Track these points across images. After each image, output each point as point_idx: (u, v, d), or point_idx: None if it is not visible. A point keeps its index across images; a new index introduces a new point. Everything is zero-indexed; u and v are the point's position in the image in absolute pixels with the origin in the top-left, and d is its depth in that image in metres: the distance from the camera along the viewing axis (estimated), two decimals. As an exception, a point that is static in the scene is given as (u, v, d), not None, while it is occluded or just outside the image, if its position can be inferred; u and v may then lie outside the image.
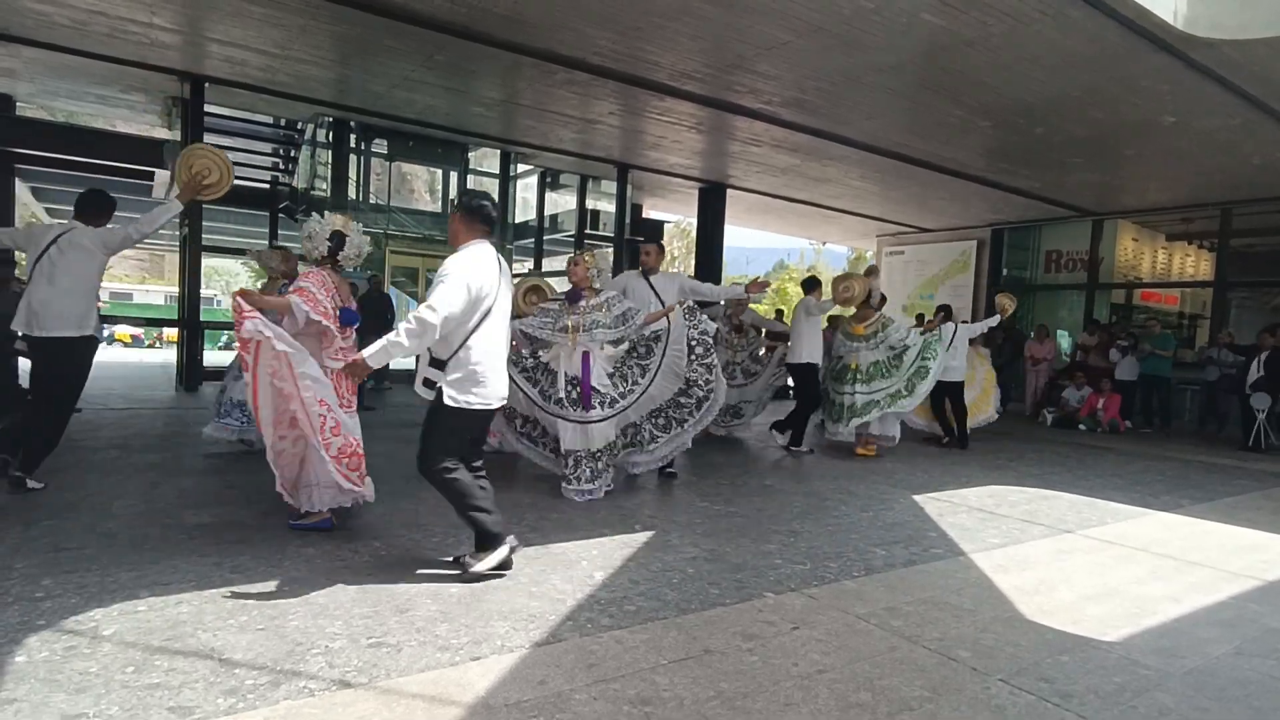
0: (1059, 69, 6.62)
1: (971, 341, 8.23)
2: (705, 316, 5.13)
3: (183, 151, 4.64)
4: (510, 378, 4.05)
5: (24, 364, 8.56)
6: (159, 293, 32.48)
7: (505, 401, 3.42)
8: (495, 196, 11.52)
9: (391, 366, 5.55)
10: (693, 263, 14.21)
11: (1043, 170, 10.14)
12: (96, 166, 11.31)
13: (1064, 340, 13.48)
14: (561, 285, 5.77)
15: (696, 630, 2.77)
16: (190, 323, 9.58)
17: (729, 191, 12.49)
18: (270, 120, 10.99)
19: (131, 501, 4.17)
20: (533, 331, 4.92)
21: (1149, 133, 8.22)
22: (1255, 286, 12.58)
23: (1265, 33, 5.73)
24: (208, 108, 8.63)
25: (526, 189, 12.97)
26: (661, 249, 5.74)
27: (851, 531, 4.33)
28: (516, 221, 12.98)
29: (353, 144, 10.60)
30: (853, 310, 7.33)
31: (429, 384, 3.19)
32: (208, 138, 9.03)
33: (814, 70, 7.04)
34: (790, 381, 7.88)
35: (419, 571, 3.27)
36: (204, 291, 12.71)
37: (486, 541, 3.21)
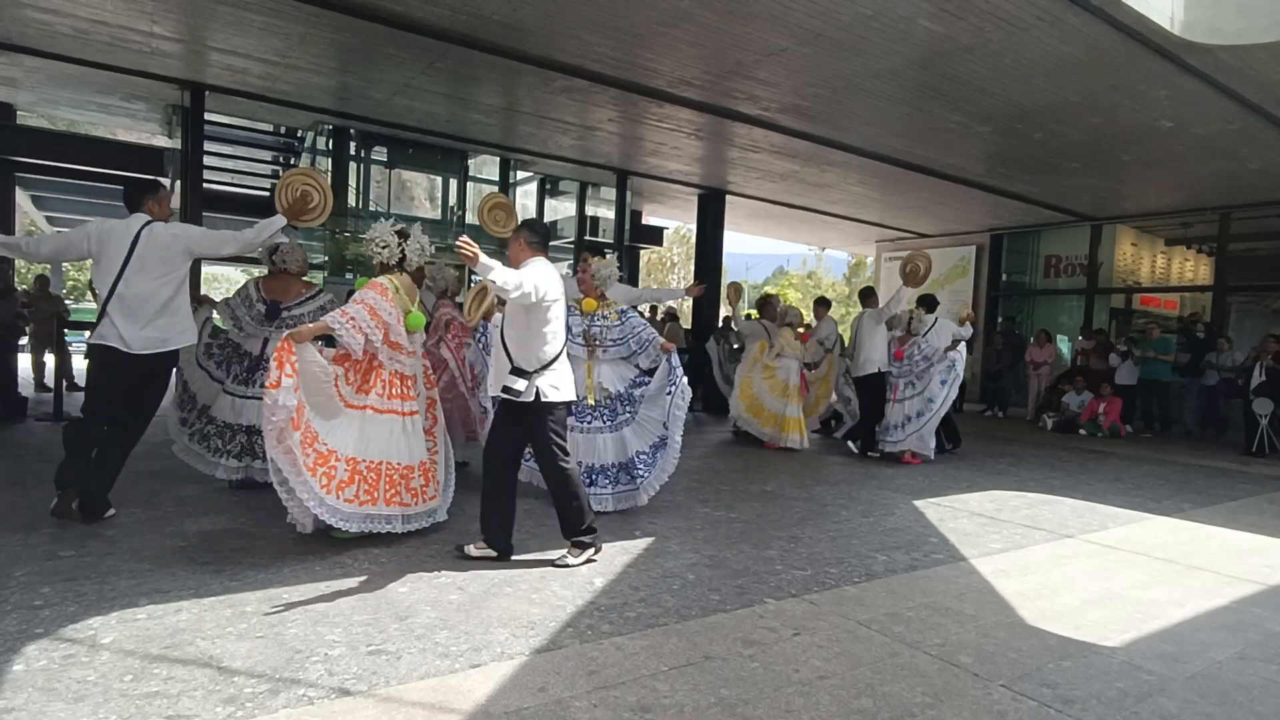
0: (1057, 75, 6.64)
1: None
2: None
3: (283, 177, 4.69)
4: None
5: (23, 370, 8.59)
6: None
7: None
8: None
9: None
10: (692, 269, 14.23)
11: (1041, 175, 10.15)
12: (97, 175, 11.33)
13: (1064, 345, 13.48)
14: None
15: (697, 636, 2.76)
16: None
17: (728, 197, 12.49)
18: (270, 128, 11.01)
19: (131, 509, 4.16)
20: None
21: (1147, 138, 8.23)
22: (1255, 291, 12.58)
23: (1262, 38, 5.75)
24: (208, 115, 8.65)
25: (526, 196, 12.98)
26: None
27: (852, 537, 4.32)
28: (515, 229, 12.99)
29: (353, 151, 10.61)
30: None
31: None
32: (208, 145, 9.06)
33: (812, 76, 7.06)
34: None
35: (419, 579, 3.26)
36: (204, 299, 12.70)
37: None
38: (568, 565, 3.53)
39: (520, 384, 3.48)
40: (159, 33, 6.74)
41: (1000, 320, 14.20)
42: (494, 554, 3.59)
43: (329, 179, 10.35)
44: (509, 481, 3.66)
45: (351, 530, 3.59)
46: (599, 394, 4.77)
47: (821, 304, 9.01)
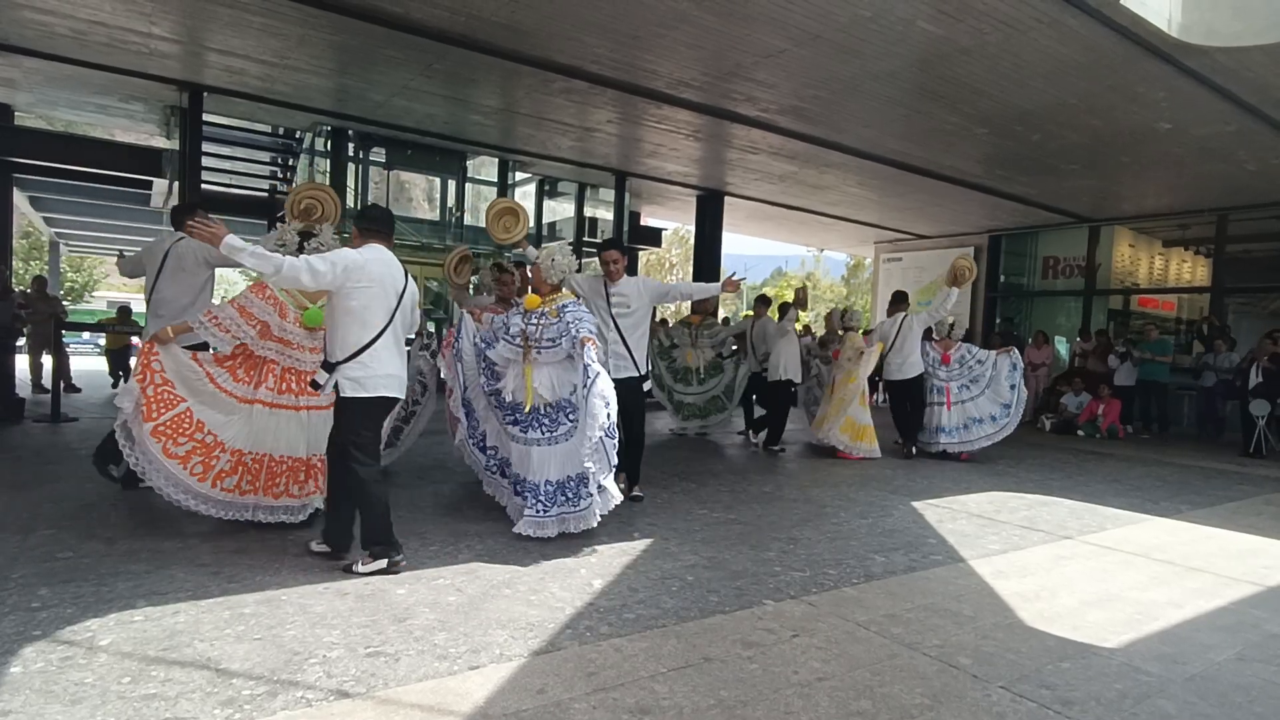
0: (1055, 76, 6.65)
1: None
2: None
3: (292, 191, 4.87)
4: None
5: (21, 371, 8.57)
6: (157, 302, 32.41)
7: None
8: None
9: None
10: (690, 270, 14.24)
11: (1040, 177, 10.17)
12: (95, 175, 11.33)
13: (1062, 346, 13.50)
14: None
15: (696, 638, 2.76)
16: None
17: (727, 199, 12.51)
18: (269, 129, 11.01)
19: (129, 510, 4.16)
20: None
21: (1145, 139, 8.25)
22: (1252, 292, 12.61)
23: (1259, 40, 5.76)
24: (206, 116, 8.64)
25: (525, 197, 12.98)
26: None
27: (851, 538, 4.32)
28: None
29: (351, 153, 10.62)
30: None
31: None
32: (206, 146, 9.05)
33: (811, 78, 7.07)
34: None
35: (417, 580, 3.26)
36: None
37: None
38: (357, 572, 3.26)
39: (323, 377, 3.35)
40: (157, 34, 6.73)
41: (999, 321, 14.22)
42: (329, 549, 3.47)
43: (327, 180, 10.43)
44: (343, 478, 3.48)
45: (224, 517, 3.74)
46: (536, 400, 4.12)
47: (762, 303, 8.59)
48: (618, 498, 4.09)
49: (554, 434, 4.11)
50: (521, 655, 2.55)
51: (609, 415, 3.72)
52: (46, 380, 9.33)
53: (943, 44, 6.12)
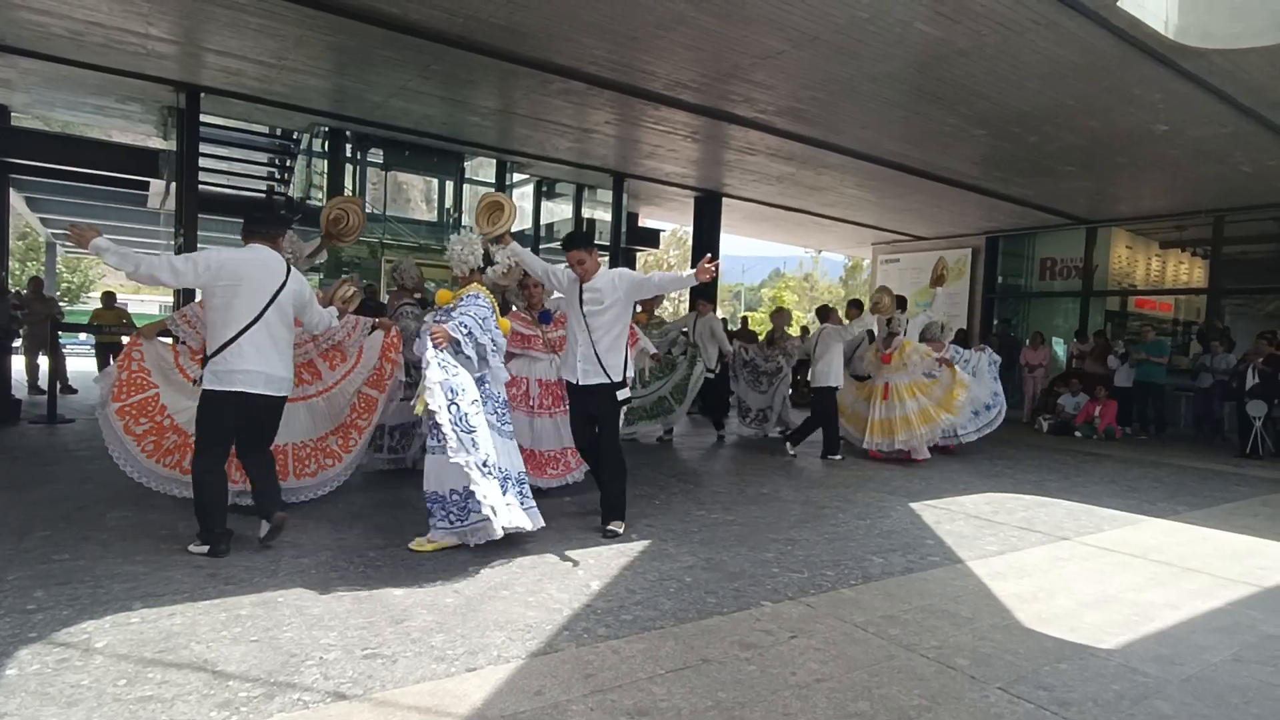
0: (1052, 78, 6.66)
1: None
2: None
3: (327, 204, 4.99)
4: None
5: (17, 372, 8.55)
6: (153, 302, 32.46)
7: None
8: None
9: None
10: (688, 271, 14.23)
11: (1037, 178, 10.19)
12: (92, 176, 11.30)
13: (1059, 347, 13.53)
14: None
15: (694, 639, 2.76)
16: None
17: (725, 200, 12.51)
18: (266, 130, 11.00)
19: (125, 512, 4.16)
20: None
21: (1141, 141, 8.27)
22: (1249, 293, 12.64)
23: (1255, 42, 5.78)
24: (204, 117, 8.63)
25: (523, 198, 12.99)
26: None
27: (849, 539, 4.32)
28: (513, 231, 12.98)
29: (349, 153, 10.60)
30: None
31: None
32: (203, 147, 9.04)
33: (809, 80, 7.07)
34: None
35: (414, 581, 3.26)
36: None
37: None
38: (189, 551, 3.48)
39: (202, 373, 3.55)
40: (154, 34, 6.72)
41: (996, 323, 14.24)
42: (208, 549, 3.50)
43: (325, 181, 10.42)
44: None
45: (161, 490, 4.16)
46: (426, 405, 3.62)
47: (705, 298, 8.59)
48: (527, 523, 3.74)
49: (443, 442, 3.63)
50: (519, 657, 2.54)
51: (451, 403, 3.51)
52: (43, 381, 9.30)
53: (940, 46, 6.13)
